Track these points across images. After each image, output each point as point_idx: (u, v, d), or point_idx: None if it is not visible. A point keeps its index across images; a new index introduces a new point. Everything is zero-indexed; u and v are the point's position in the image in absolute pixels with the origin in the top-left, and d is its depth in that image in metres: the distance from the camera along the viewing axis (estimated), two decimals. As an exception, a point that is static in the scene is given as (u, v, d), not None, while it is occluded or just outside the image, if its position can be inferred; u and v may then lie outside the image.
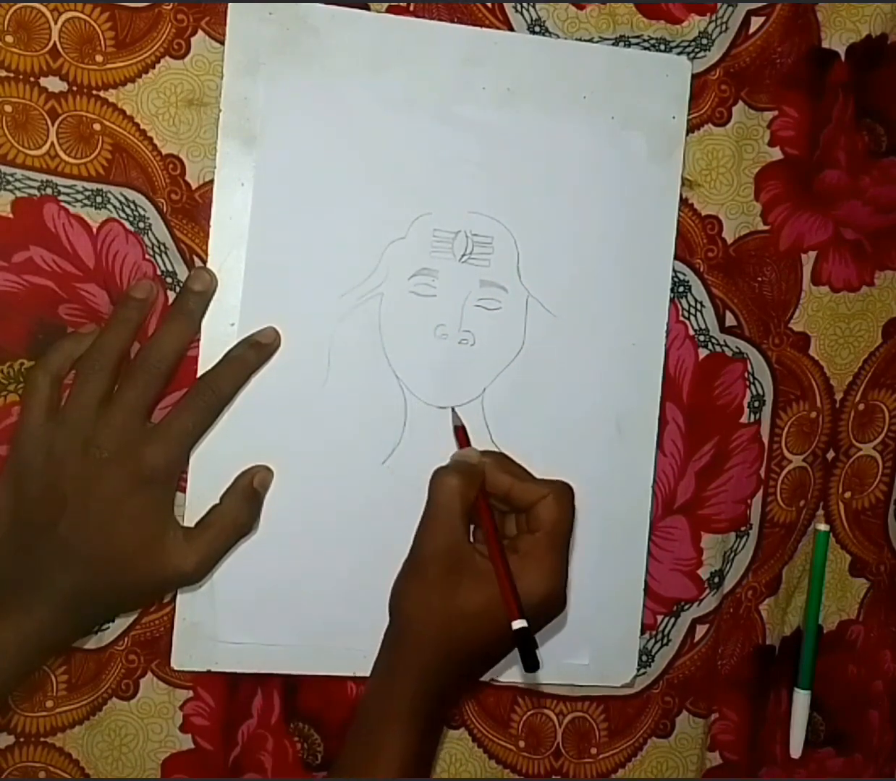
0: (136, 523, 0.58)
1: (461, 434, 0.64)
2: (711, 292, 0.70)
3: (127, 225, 0.63)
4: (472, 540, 0.59)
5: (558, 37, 0.66)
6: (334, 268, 0.64)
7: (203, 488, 0.63)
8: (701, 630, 0.73)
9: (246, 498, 0.63)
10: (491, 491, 0.60)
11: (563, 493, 0.59)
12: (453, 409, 0.65)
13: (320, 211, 0.64)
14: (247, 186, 0.63)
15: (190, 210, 0.63)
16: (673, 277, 0.69)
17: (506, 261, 0.66)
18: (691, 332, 0.70)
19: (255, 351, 0.62)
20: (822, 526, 0.74)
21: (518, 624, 0.54)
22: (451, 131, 0.65)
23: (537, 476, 0.61)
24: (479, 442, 0.64)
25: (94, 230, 0.62)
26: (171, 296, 0.63)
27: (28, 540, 0.58)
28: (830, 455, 0.74)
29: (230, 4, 0.62)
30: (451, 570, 0.57)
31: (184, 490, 0.64)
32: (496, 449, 0.63)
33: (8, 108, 0.60)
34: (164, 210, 0.63)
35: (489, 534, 0.58)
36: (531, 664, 0.54)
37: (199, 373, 0.63)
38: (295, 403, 0.64)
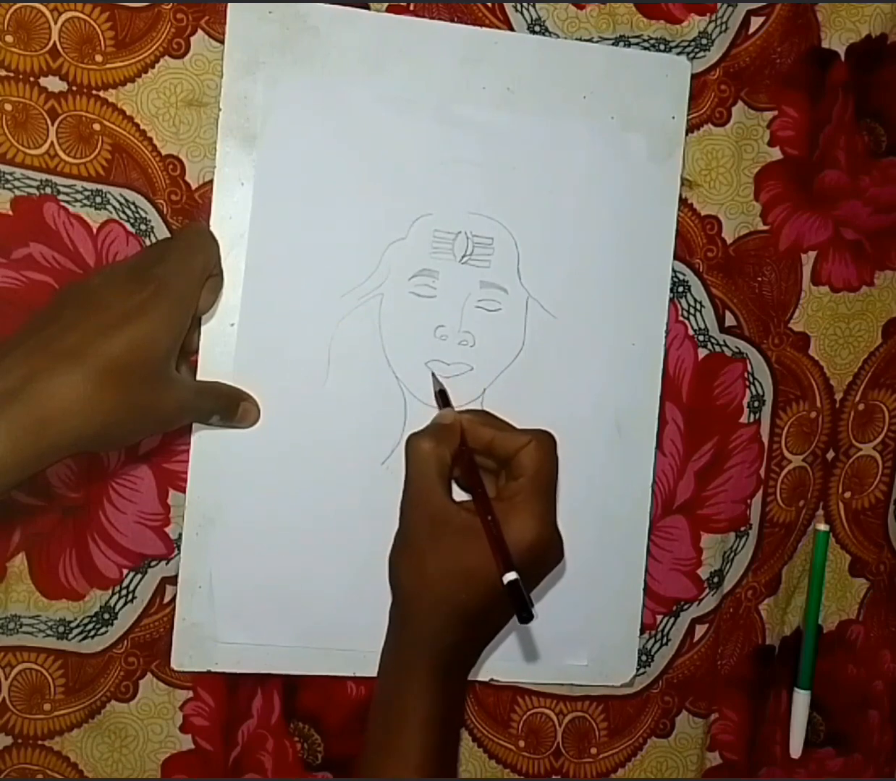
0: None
1: (442, 397, 0.64)
2: (711, 292, 0.70)
3: (128, 226, 0.63)
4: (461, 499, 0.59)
5: (558, 37, 0.66)
6: (334, 268, 0.64)
7: (203, 487, 0.64)
8: (700, 629, 0.73)
9: (224, 400, 0.63)
10: (474, 446, 0.60)
11: (544, 440, 0.59)
12: (433, 373, 0.65)
13: (320, 211, 0.64)
14: (246, 186, 0.63)
15: (190, 210, 0.63)
16: (672, 277, 0.69)
17: (506, 263, 0.66)
18: (691, 332, 0.70)
19: (229, 410, 0.63)
20: (822, 526, 0.74)
21: (508, 576, 0.54)
22: (451, 131, 0.65)
23: None
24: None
25: (95, 230, 0.62)
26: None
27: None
28: (830, 455, 0.74)
29: (230, 4, 0.62)
30: (437, 532, 0.57)
31: (184, 489, 0.64)
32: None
33: (8, 108, 0.60)
34: (165, 211, 0.63)
35: (473, 489, 0.58)
36: (525, 615, 0.53)
37: (200, 372, 0.63)
38: (295, 403, 0.64)
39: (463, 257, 0.66)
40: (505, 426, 0.61)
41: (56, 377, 0.50)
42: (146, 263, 0.56)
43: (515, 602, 0.54)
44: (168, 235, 0.63)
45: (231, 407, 0.62)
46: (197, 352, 0.63)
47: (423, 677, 0.56)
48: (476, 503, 0.57)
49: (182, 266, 0.57)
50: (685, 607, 0.72)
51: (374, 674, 0.66)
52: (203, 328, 0.63)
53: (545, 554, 0.58)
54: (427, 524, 0.57)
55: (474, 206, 0.66)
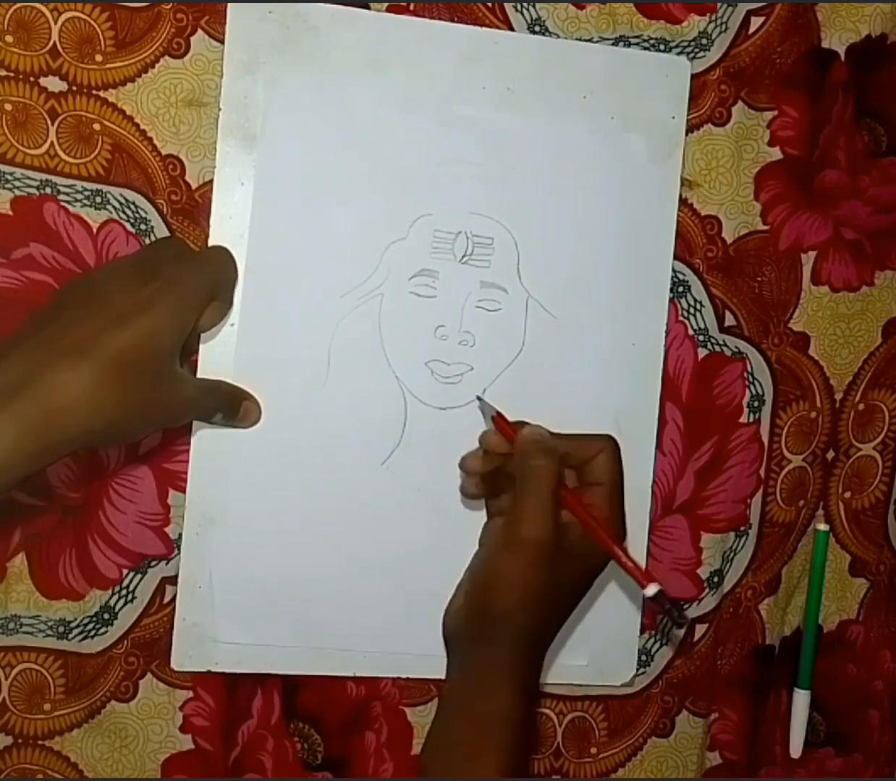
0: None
1: (502, 420, 0.62)
2: (711, 292, 0.70)
3: (128, 226, 0.63)
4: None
5: (558, 37, 0.66)
6: (334, 268, 0.64)
7: (203, 487, 0.64)
8: (700, 629, 0.73)
9: (227, 398, 0.63)
10: None
11: (616, 445, 0.60)
12: (480, 397, 0.65)
13: (320, 211, 0.64)
14: (247, 186, 0.63)
15: (190, 210, 0.63)
16: (672, 277, 0.69)
17: (506, 263, 0.66)
18: (691, 332, 0.70)
19: (231, 408, 0.63)
20: (822, 526, 0.74)
21: (651, 590, 0.55)
22: (451, 131, 0.65)
23: None
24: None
25: (95, 230, 0.62)
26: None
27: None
28: (830, 455, 0.74)
29: (230, 4, 0.62)
30: (553, 553, 0.56)
31: (184, 489, 0.64)
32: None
33: (8, 108, 0.60)
34: (165, 211, 0.63)
35: (588, 521, 0.58)
36: (682, 622, 0.56)
37: (200, 372, 0.63)
38: (295, 403, 0.64)
39: (463, 257, 0.66)
40: (566, 434, 0.61)
41: (60, 372, 0.50)
42: (152, 260, 0.56)
43: (671, 613, 0.56)
44: (168, 235, 0.63)
45: (233, 405, 0.63)
46: (197, 352, 0.63)
47: (513, 691, 0.55)
48: (595, 534, 0.57)
49: (194, 267, 0.57)
50: (685, 607, 0.72)
51: (374, 674, 0.67)
52: (203, 328, 0.63)
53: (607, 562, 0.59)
54: (546, 542, 0.56)
55: (474, 206, 0.66)
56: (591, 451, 0.59)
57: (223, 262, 0.60)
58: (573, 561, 0.57)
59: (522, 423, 0.61)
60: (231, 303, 0.62)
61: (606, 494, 0.59)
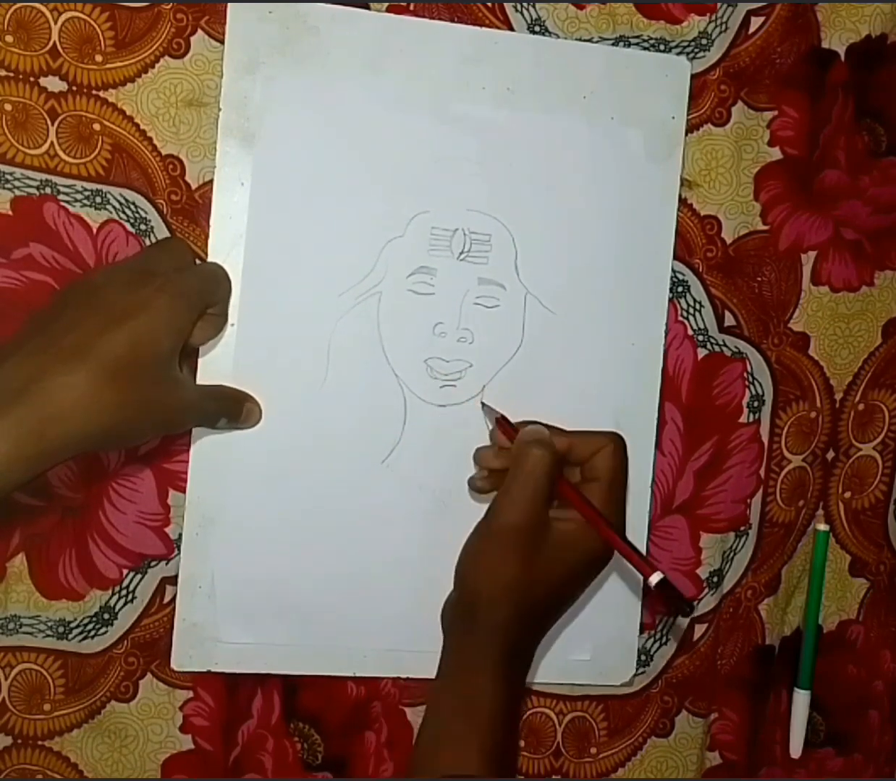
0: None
1: (505, 423, 0.62)
2: (710, 292, 0.70)
3: (128, 226, 0.63)
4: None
5: (558, 37, 0.67)
6: (333, 266, 0.64)
7: (203, 487, 0.64)
8: (700, 629, 0.73)
9: (229, 402, 0.63)
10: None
11: (620, 443, 0.60)
12: (483, 403, 0.65)
13: (319, 210, 0.64)
14: (246, 186, 0.63)
15: (190, 210, 0.63)
16: (672, 277, 0.69)
17: (504, 259, 0.66)
18: (690, 332, 0.70)
19: (234, 412, 0.63)
20: (822, 526, 0.74)
21: (656, 578, 0.55)
22: (451, 130, 0.65)
23: None
24: (479, 439, 0.64)
25: (95, 230, 0.62)
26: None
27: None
28: (830, 455, 0.74)
29: (230, 4, 0.62)
30: (533, 540, 0.57)
31: (184, 489, 0.64)
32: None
33: (8, 108, 0.60)
34: (165, 211, 0.63)
35: (579, 501, 0.58)
36: (688, 609, 0.56)
37: (200, 372, 0.63)
38: (294, 402, 0.64)
39: (461, 254, 0.66)
40: (570, 432, 0.61)
41: (59, 376, 0.50)
42: (150, 262, 0.56)
43: (677, 600, 0.56)
44: (168, 235, 0.63)
45: (236, 409, 0.63)
46: (197, 355, 0.63)
47: (493, 677, 0.56)
48: (594, 523, 0.58)
49: (192, 272, 0.57)
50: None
51: (374, 674, 0.67)
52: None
53: (609, 558, 0.59)
54: (525, 530, 0.57)
55: (472, 204, 0.65)
56: (592, 449, 0.59)
57: (218, 275, 0.60)
58: (565, 552, 0.57)
59: (527, 423, 0.61)
60: (226, 317, 0.62)
61: (603, 489, 0.59)
